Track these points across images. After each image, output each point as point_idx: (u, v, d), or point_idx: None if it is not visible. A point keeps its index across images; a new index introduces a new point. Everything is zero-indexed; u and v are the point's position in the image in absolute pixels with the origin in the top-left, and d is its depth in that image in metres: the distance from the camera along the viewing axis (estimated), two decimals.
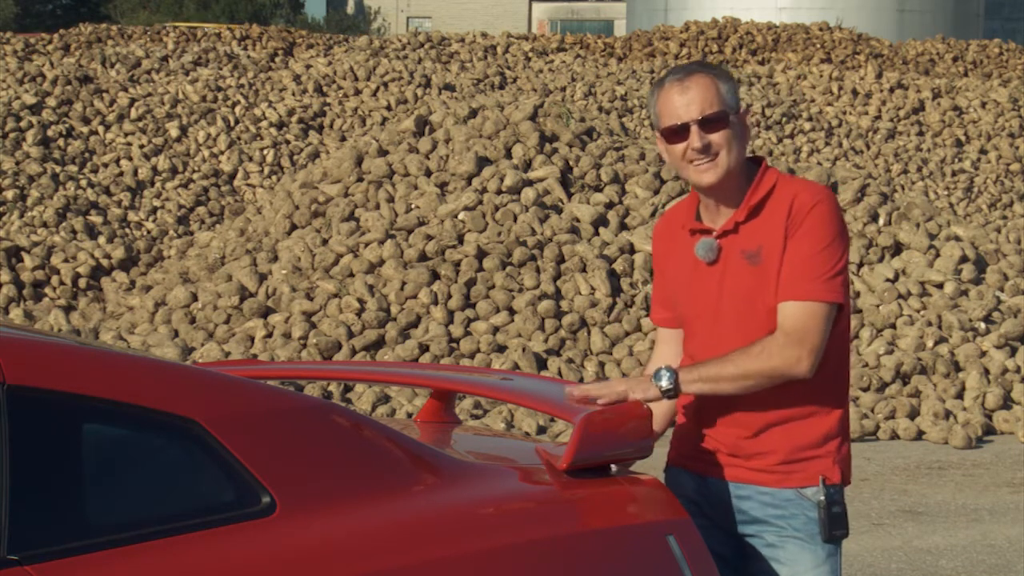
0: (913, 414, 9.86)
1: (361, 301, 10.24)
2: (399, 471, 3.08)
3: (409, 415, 9.14)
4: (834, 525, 3.50)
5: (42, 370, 2.73)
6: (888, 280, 10.92)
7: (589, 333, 10.29)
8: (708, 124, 3.41)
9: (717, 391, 3.41)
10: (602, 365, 10.09)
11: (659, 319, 3.73)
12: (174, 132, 17.02)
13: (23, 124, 16.20)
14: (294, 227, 11.44)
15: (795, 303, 3.38)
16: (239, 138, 17.42)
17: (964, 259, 11.14)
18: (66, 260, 12.52)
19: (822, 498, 3.47)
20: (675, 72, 3.49)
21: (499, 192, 11.22)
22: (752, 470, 3.50)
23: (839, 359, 3.52)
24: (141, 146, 16.58)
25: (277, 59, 22.78)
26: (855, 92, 21.66)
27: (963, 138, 20.60)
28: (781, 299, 3.39)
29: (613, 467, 3.37)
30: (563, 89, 20.79)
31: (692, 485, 3.60)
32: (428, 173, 11.57)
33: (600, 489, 3.30)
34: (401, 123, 12.47)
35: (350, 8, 59.14)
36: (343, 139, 17.65)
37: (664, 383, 3.39)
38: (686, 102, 3.42)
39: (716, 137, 3.42)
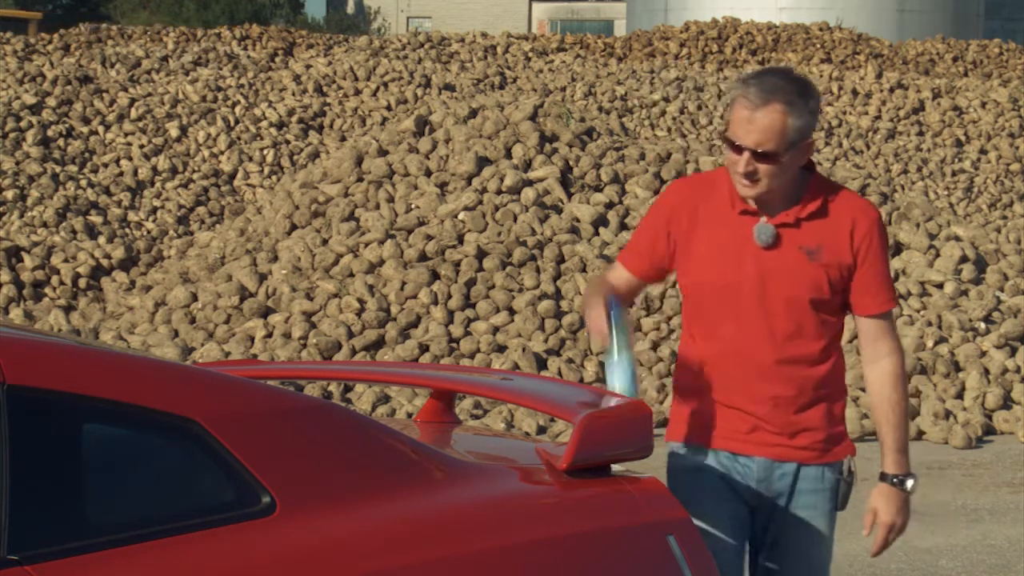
0: (913, 414, 9.86)
1: (361, 301, 10.24)
2: (399, 471, 3.08)
3: (409, 415, 9.14)
4: (846, 499, 3.82)
5: (42, 370, 2.73)
6: None
7: (589, 333, 10.29)
8: (760, 157, 3.59)
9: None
10: (602, 365, 10.09)
11: (634, 267, 3.83)
12: (174, 132, 17.02)
13: (23, 124, 16.20)
14: (294, 227, 11.44)
15: (879, 321, 3.74)
16: (239, 138, 17.42)
17: (964, 259, 11.14)
18: (66, 260, 12.52)
19: (846, 472, 3.79)
20: (754, 87, 3.60)
21: (499, 192, 11.22)
22: (795, 448, 3.74)
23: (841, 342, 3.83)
24: (141, 146, 16.58)
25: (277, 59, 22.76)
26: (855, 92, 21.65)
27: (963, 138, 20.59)
28: (866, 312, 3.73)
29: (613, 467, 3.38)
30: (563, 89, 20.79)
31: (715, 460, 3.76)
32: (428, 173, 11.57)
33: (600, 489, 3.31)
34: (401, 123, 12.47)
35: (350, 8, 59.12)
36: (343, 139, 17.65)
37: (912, 484, 3.76)
38: (749, 129, 3.58)
39: (764, 167, 3.60)
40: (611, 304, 3.58)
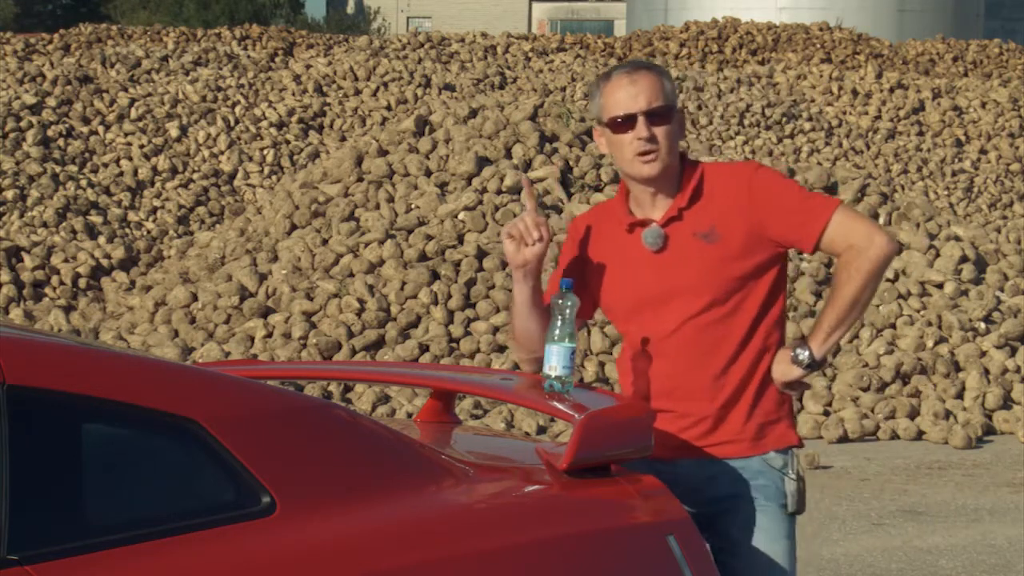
0: (913, 414, 9.86)
1: (361, 301, 10.24)
2: (399, 471, 3.08)
3: (409, 415, 9.14)
4: (800, 500, 3.62)
5: (42, 370, 2.73)
6: (888, 280, 10.91)
7: (589, 333, 10.29)
8: (654, 116, 3.58)
9: (848, 326, 3.57)
10: (602, 365, 10.09)
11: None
12: (174, 132, 17.02)
13: (23, 124, 16.20)
14: (294, 227, 11.44)
15: (829, 226, 3.55)
16: (239, 138, 17.42)
17: (964, 259, 11.14)
18: (66, 260, 12.52)
19: (788, 469, 3.61)
20: (623, 66, 3.67)
21: (499, 192, 11.22)
22: (720, 443, 3.61)
23: (781, 325, 3.68)
24: (141, 146, 16.58)
25: (277, 59, 22.78)
26: (855, 92, 21.65)
27: (963, 138, 20.59)
28: (813, 238, 3.56)
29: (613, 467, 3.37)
30: (563, 89, 20.79)
31: (652, 470, 3.54)
32: (428, 173, 11.57)
33: (600, 489, 3.30)
34: (401, 123, 12.47)
35: (350, 8, 59.10)
36: (343, 139, 17.65)
37: (805, 358, 3.54)
38: (634, 94, 3.58)
39: (660, 130, 3.58)
40: (565, 286, 3.55)
